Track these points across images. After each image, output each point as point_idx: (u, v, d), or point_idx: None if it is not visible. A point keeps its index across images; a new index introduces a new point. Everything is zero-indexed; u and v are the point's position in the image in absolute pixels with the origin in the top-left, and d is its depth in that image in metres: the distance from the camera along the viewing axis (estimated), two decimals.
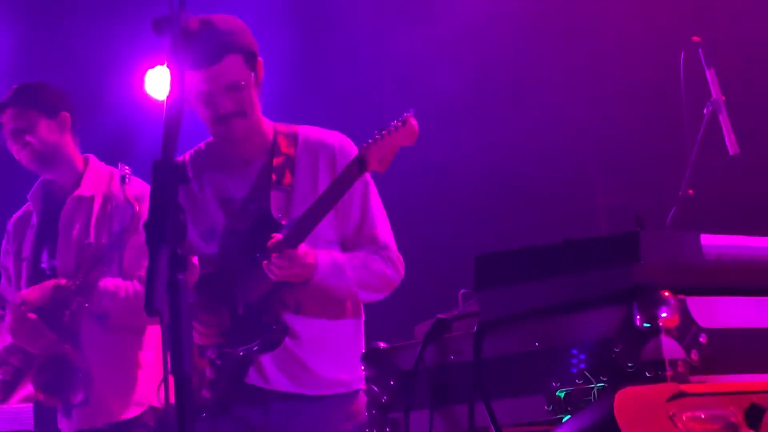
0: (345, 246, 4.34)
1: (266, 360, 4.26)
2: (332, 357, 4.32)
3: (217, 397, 4.26)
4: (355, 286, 4.27)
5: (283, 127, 4.43)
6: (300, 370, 4.30)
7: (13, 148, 5.24)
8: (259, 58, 4.33)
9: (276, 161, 4.34)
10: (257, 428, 4.30)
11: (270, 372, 4.28)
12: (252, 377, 4.28)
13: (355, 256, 4.30)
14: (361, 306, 4.43)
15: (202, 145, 4.51)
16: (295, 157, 4.36)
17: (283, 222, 4.25)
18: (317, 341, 4.31)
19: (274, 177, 4.32)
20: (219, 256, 4.33)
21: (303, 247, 4.13)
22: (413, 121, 4.07)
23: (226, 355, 4.25)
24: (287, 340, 4.25)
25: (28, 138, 5.19)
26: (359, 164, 4.09)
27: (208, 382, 4.27)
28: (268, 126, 4.41)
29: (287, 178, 4.32)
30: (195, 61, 4.17)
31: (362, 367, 3.08)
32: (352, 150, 4.36)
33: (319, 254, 4.19)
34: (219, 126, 4.29)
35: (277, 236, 4.14)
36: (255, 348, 4.22)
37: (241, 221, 4.33)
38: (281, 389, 4.29)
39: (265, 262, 4.13)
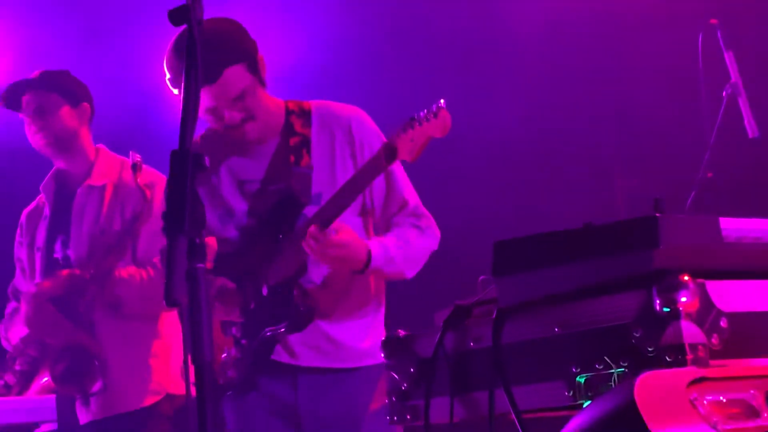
0: (374, 217, 4.33)
1: (293, 336, 4.27)
2: (358, 329, 4.33)
3: (243, 376, 4.28)
4: (405, 269, 4.28)
5: (295, 105, 4.40)
6: (327, 344, 4.31)
7: (31, 130, 5.25)
8: (259, 55, 4.29)
9: (292, 141, 4.33)
10: (287, 403, 4.32)
11: (297, 348, 4.30)
12: (279, 354, 4.29)
13: (399, 235, 4.28)
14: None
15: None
16: (311, 136, 4.35)
17: (306, 203, 4.25)
18: (344, 314, 4.32)
19: (292, 158, 4.31)
20: (239, 238, 4.34)
21: (345, 235, 4.10)
22: (446, 113, 4.01)
23: (252, 334, 4.26)
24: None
25: (48, 120, 5.21)
26: (389, 153, 4.04)
27: (233, 361, 4.29)
28: (279, 106, 4.39)
29: (305, 158, 4.31)
30: None
31: (382, 355, 3.08)
32: (369, 123, 4.35)
33: (372, 246, 4.18)
34: (230, 133, 4.30)
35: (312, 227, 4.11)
36: (282, 330, 4.23)
37: (262, 203, 4.33)
38: (309, 364, 4.31)
39: (303, 241, 4.10)
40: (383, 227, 4.36)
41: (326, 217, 4.08)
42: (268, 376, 4.31)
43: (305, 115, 4.38)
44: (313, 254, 4.10)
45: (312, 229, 4.07)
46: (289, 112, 4.38)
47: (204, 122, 4.37)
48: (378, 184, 4.28)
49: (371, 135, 4.34)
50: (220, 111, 4.23)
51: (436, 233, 4.37)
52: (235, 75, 4.20)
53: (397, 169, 4.35)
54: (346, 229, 4.12)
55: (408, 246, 4.28)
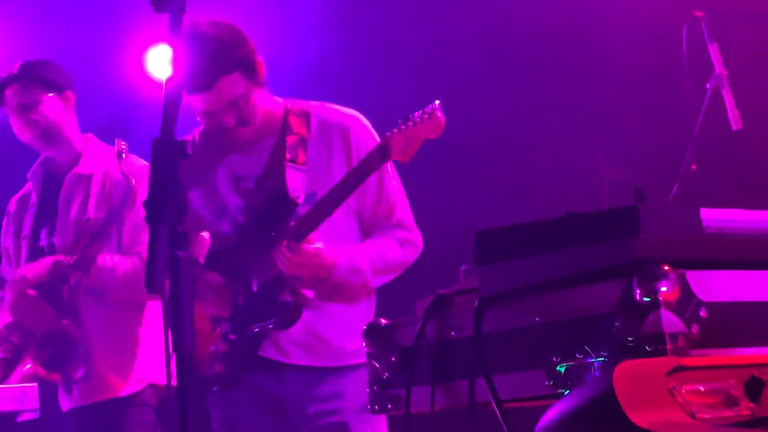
0: (363, 219, 4.34)
1: (282, 334, 4.28)
2: (348, 328, 4.33)
3: (230, 371, 4.29)
4: (371, 279, 4.29)
5: (295, 105, 4.41)
6: (317, 343, 4.32)
7: (16, 124, 5.23)
8: (258, 59, 4.28)
9: (289, 140, 4.34)
10: (275, 398, 4.33)
11: (286, 346, 4.30)
12: (267, 351, 4.30)
13: (374, 245, 4.29)
14: None
15: None
16: (308, 137, 4.35)
17: (300, 201, 4.25)
18: (333, 314, 4.33)
19: (288, 156, 4.32)
20: (232, 233, 4.35)
21: (316, 247, 4.12)
22: (440, 114, 4.00)
23: (241, 330, 4.27)
24: (303, 313, 4.26)
25: (32, 115, 5.19)
26: (381, 153, 4.06)
27: (221, 356, 4.29)
28: (277, 105, 4.40)
29: (301, 157, 4.32)
30: (190, 85, 4.15)
31: (363, 344, 3.08)
32: (367, 129, 4.36)
33: (338, 256, 4.19)
34: (225, 134, 4.31)
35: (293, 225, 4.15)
36: (270, 326, 4.23)
37: (256, 199, 4.34)
38: (298, 362, 4.32)
39: (274, 252, 4.13)
40: (367, 232, 4.37)
41: (315, 217, 4.10)
42: (256, 372, 4.32)
43: (304, 115, 4.39)
44: (281, 267, 4.14)
45: (284, 242, 4.10)
46: (287, 111, 4.39)
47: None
48: (370, 188, 4.29)
49: (369, 142, 4.34)
50: (215, 115, 4.24)
51: (418, 248, 4.38)
52: (230, 83, 4.21)
53: (391, 176, 4.36)
54: (316, 241, 4.14)
55: (381, 258, 4.30)
